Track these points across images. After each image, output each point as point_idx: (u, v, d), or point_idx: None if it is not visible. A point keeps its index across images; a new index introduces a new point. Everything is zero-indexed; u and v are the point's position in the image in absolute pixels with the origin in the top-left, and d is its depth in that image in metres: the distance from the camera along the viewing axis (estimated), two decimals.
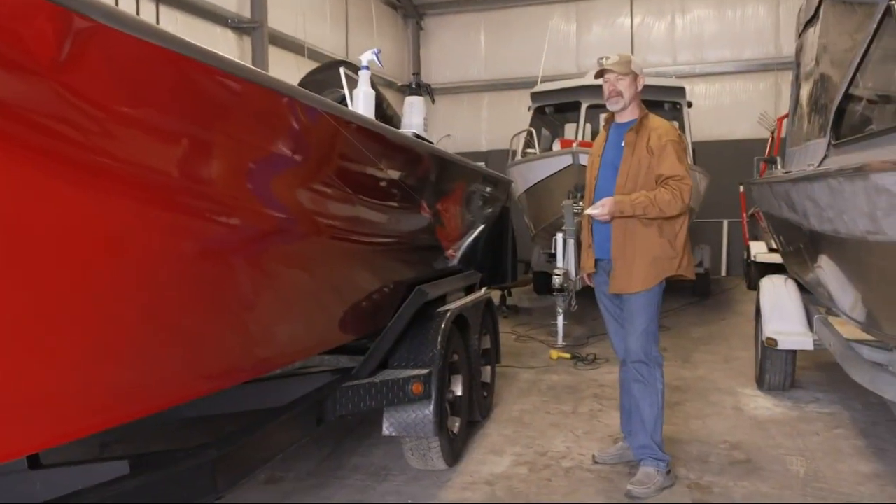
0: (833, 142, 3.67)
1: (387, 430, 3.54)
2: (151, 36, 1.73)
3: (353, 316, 3.34)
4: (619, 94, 3.65)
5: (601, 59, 3.76)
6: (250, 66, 2.21)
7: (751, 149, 12.17)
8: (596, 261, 3.79)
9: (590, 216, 3.70)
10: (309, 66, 10.32)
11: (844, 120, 3.57)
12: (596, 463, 3.95)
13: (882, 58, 3.19)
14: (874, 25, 3.11)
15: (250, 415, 3.10)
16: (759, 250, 11.45)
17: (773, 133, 11.24)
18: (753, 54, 14.46)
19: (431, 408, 3.52)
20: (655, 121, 3.70)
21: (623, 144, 3.64)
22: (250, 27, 11.02)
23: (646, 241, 3.55)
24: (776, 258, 10.47)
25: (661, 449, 3.62)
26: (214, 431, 3.06)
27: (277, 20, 11.43)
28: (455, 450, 3.98)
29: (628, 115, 3.72)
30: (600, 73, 3.69)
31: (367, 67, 3.54)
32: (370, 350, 3.56)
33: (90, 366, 1.83)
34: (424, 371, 3.55)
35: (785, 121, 10.47)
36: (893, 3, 2.93)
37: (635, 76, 3.66)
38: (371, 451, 4.21)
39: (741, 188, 12.57)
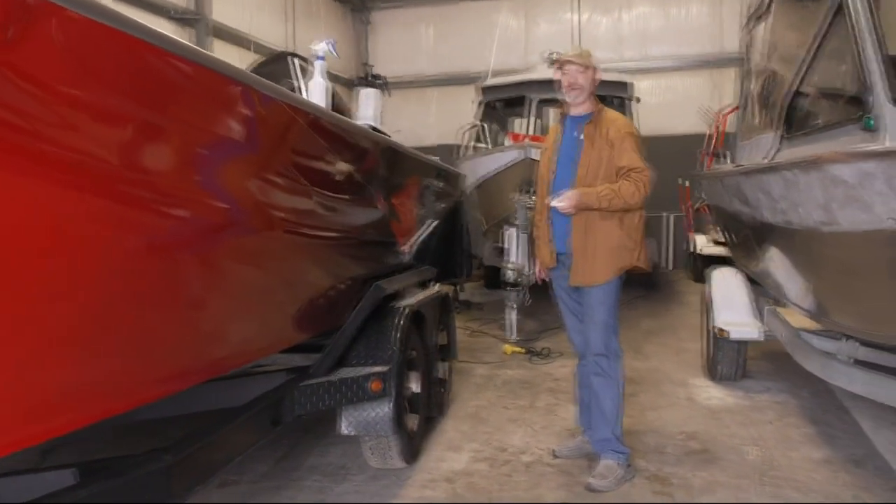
0: (784, 135, 3.73)
1: (345, 429, 3.46)
2: (95, 13, 1.62)
3: (309, 313, 3.25)
4: (580, 88, 3.63)
5: (551, 53, 3.75)
6: (205, 51, 2.11)
7: (694, 144, 12.40)
8: (557, 255, 3.77)
9: (549, 211, 3.68)
10: (254, 59, 10.10)
11: (796, 113, 3.63)
12: (556, 457, 3.94)
13: (833, 52, 3.24)
14: (826, 19, 3.16)
15: (203, 416, 2.97)
16: (703, 243, 11.70)
17: (716, 128, 11.46)
18: (696, 51, 14.74)
19: (391, 405, 3.45)
20: (612, 114, 3.72)
21: (582, 137, 3.62)
22: (193, 19, 10.75)
23: (607, 234, 3.55)
24: (720, 251, 10.73)
25: (621, 442, 3.63)
26: (166, 435, 2.94)
27: (221, 13, 11.18)
28: (414, 447, 3.92)
29: (584, 109, 3.70)
30: (559, 65, 3.68)
31: (322, 58, 3.45)
32: (327, 347, 3.47)
33: (26, 372, 1.68)
34: (383, 368, 3.48)
35: (728, 116, 10.74)
36: None
37: (594, 70, 3.66)
38: (328, 451, 4.12)
39: (685, 182, 12.83)
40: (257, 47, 11.63)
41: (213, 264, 2.45)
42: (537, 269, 4.03)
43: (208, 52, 2.15)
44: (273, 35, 12.44)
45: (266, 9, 12.61)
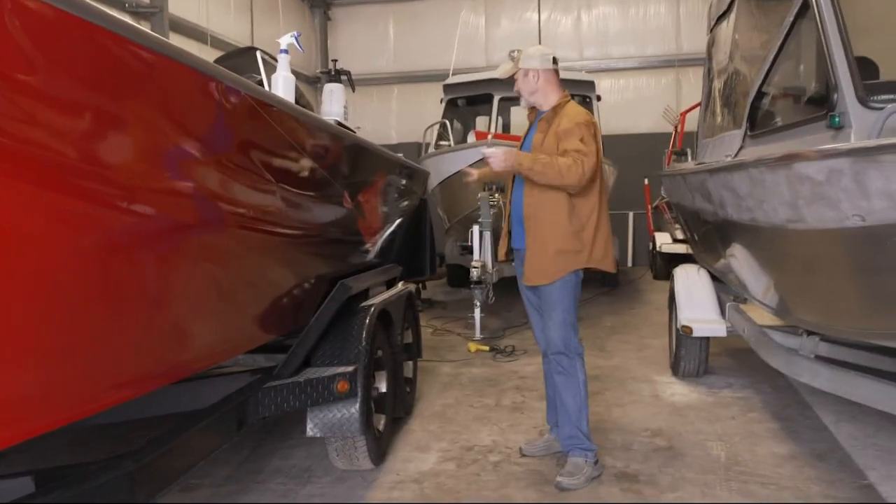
0: (749, 133, 3.76)
1: (311, 430, 3.38)
2: None
3: (274, 313, 3.17)
4: (525, 92, 3.69)
5: (512, 52, 3.73)
6: (163, 38, 2.02)
7: (655, 142, 12.55)
8: (514, 250, 3.77)
9: (510, 206, 3.68)
10: (213, 54, 9.89)
11: (760, 111, 3.66)
12: (524, 455, 3.92)
13: (798, 51, 3.28)
14: (791, 17, 3.19)
15: (165, 420, 2.88)
16: (664, 241, 11.84)
17: (676, 127, 11.60)
18: (656, 51, 14.91)
19: (357, 406, 3.38)
20: (572, 108, 3.66)
21: (536, 130, 3.64)
22: (149, 12, 10.49)
23: (552, 233, 3.52)
24: (681, 248, 10.87)
25: (588, 439, 3.62)
26: (127, 440, 2.84)
27: (179, 6, 10.93)
28: (381, 448, 3.87)
29: (546, 105, 3.70)
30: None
31: (286, 51, 3.37)
32: (293, 348, 3.40)
33: None
34: (350, 368, 3.42)
35: (688, 115, 10.88)
36: None
37: (525, 72, 3.64)
38: (292, 453, 4.04)
39: (646, 181, 12.98)
40: (215, 42, 11.41)
41: (173, 263, 2.35)
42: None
43: (166, 40, 2.06)
44: (232, 30, 12.22)
45: (224, 3, 12.39)
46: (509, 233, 3.81)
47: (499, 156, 3.47)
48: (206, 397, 3.07)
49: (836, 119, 2.66)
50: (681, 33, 14.64)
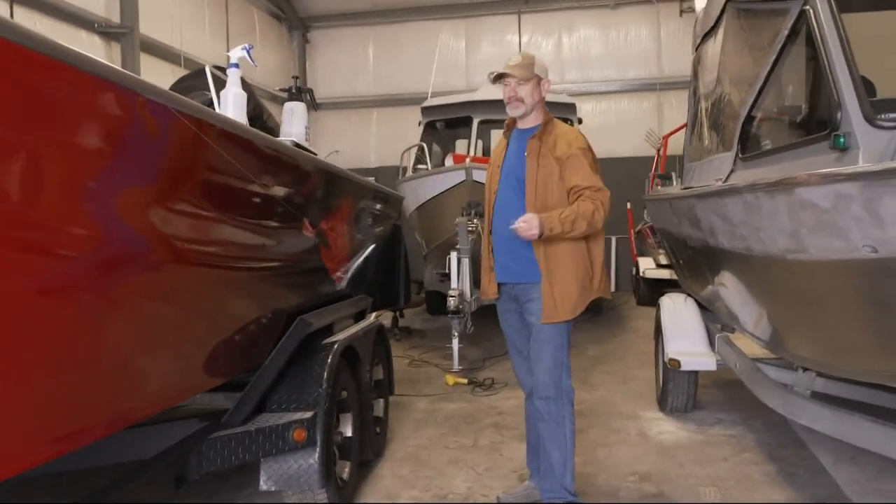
0: (740, 155, 3.52)
1: (265, 484, 3.05)
2: None
3: (224, 355, 2.85)
4: (521, 100, 3.32)
5: (491, 73, 3.42)
6: (77, 50, 1.73)
7: (636, 166, 12.38)
8: (499, 285, 3.45)
9: (490, 236, 3.37)
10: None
11: (753, 132, 3.42)
12: None
13: (795, 66, 3.04)
14: (786, 31, 2.95)
15: (96, 472, 2.57)
16: (648, 266, 11.62)
17: (658, 150, 11.44)
18: (637, 74, 14.82)
19: (316, 456, 3.06)
20: (561, 127, 3.39)
21: (525, 154, 3.32)
22: (119, 33, 10.21)
23: (573, 264, 3.23)
24: (665, 274, 10.65)
25: (571, 492, 3.29)
26: (53, 496, 2.52)
27: (151, 27, 10.65)
28: (345, 498, 3.53)
29: (531, 121, 3.40)
30: (499, 77, 3.36)
31: (236, 65, 3.08)
32: (244, 392, 3.08)
33: None
34: (308, 414, 3.09)
35: (671, 138, 10.71)
36: (807, 7, 2.76)
37: (539, 80, 3.35)
38: (251, 500, 3.70)
39: (628, 205, 12.78)
40: (189, 63, 11.12)
41: (112, 304, 2.07)
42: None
43: (88, 54, 1.77)
44: (207, 52, 11.93)
45: (199, 25, 12.13)
46: (491, 267, 3.46)
47: (533, 227, 3.06)
48: (152, 445, 2.76)
49: (842, 139, 2.41)
50: (662, 56, 14.57)
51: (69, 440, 2.01)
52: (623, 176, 12.33)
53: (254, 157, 2.69)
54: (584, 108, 13.82)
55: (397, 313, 9.20)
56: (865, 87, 2.84)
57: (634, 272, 12.68)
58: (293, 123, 3.67)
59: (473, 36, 15.44)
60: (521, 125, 3.43)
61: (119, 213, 2.02)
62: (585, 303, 3.29)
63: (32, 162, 1.67)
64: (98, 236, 1.96)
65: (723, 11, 4.05)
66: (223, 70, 3.44)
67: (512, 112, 3.39)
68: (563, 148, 3.24)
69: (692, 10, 6.57)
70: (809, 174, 2.25)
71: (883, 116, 2.44)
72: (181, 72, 10.71)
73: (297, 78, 4.32)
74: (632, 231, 13.10)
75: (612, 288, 14.12)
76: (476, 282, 6.39)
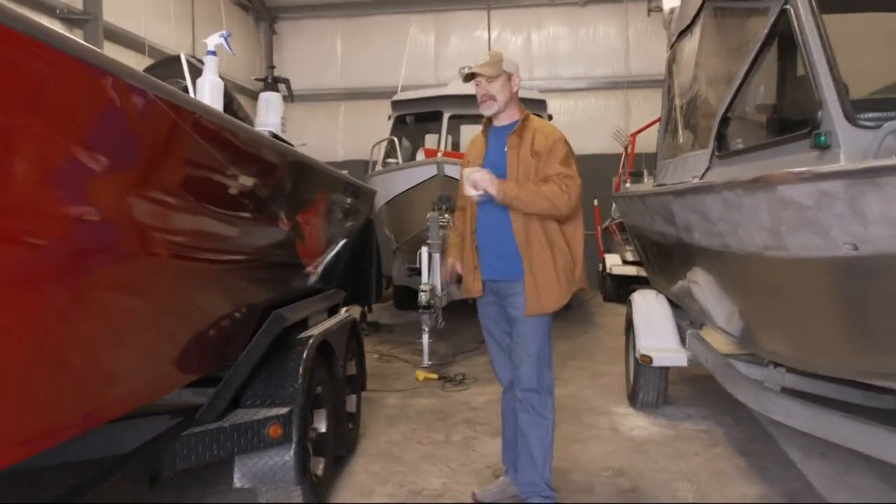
0: (717, 153, 3.54)
1: (238, 481, 2.99)
2: None
3: (198, 350, 2.78)
4: (492, 98, 3.31)
5: (462, 68, 3.40)
6: (49, 28, 1.66)
7: (604, 164, 12.47)
8: (485, 282, 3.42)
9: (474, 234, 3.35)
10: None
11: (730, 130, 3.44)
12: (476, 501, 3.58)
13: (774, 65, 3.06)
14: (766, 29, 2.97)
15: (68, 469, 2.49)
16: (615, 263, 11.72)
17: (626, 148, 11.52)
18: (605, 72, 14.95)
19: (292, 452, 3.00)
20: (538, 122, 3.40)
21: (506, 149, 3.31)
22: (82, 20, 9.98)
23: (553, 256, 3.23)
24: (632, 270, 10.75)
25: (550, 486, 3.30)
26: (24, 494, 2.43)
27: (115, 14, 10.44)
28: (319, 495, 3.48)
29: (507, 118, 3.39)
30: (469, 77, 3.35)
31: (214, 53, 3.01)
32: (218, 387, 3.01)
33: None
34: (283, 410, 3.03)
35: (636, 136, 10.80)
36: (788, 7, 2.78)
37: (509, 76, 3.33)
38: (221, 500, 3.63)
39: (595, 202, 12.87)
40: (153, 52, 10.92)
41: (80, 297, 1.98)
42: (447, 273, 3.69)
43: (55, 30, 1.70)
44: (171, 40, 11.72)
45: (164, 13, 11.91)
46: (476, 266, 3.41)
47: (486, 181, 3.11)
48: (125, 442, 2.68)
49: (823, 138, 2.43)
50: (630, 55, 14.71)
51: (41, 439, 1.93)
52: (590, 173, 12.31)
53: (234, 147, 2.63)
54: (552, 105, 13.85)
55: (365, 308, 9.14)
56: None
57: (601, 268, 12.78)
58: (269, 114, 3.60)
59: (443, 30, 15.42)
60: (497, 122, 3.42)
61: (90, 202, 1.94)
62: (569, 295, 3.29)
63: (17, 150, 1.60)
64: (67, 226, 1.87)
65: (700, 10, 4.07)
66: (199, 59, 3.36)
67: (485, 111, 3.37)
68: (541, 141, 3.25)
69: (660, 9, 6.61)
70: (792, 171, 2.27)
71: (863, 116, 2.47)
72: (146, 61, 10.49)
73: (272, 68, 4.24)
74: (598, 228, 13.20)
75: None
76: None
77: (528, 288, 3.23)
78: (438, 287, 6.70)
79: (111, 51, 10.35)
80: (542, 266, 3.21)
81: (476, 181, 3.14)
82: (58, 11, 9.63)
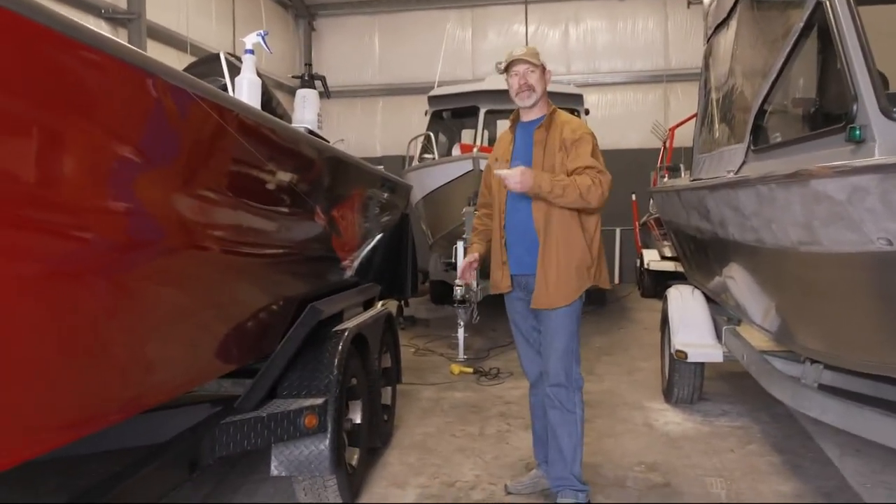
0: (752, 147, 3.51)
1: (275, 469, 3.07)
2: None
3: (236, 341, 2.85)
4: (531, 88, 3.33)
5: (499, 63, 3.44)
6: (97, 31, 1.73)
7: (642, 158, 12.37)
8: (513, 276, 3.44)
9: (503, 230, 3.37)
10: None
11: (765, 124, 3.41)
12: (509, 493, 3.62)
13: (810, 58, 3.03)
14: (801, 23, 2.94)
15: (109, 457, 2.58)
16: (652, 258, 11.62)
17: (665, 142, 11.41)
18: (644, 66, 14.79)
19: (327, 442, 3.07)
20: (565, 116, 3.42)
21: (533, 143, 3.33)
22: (126, 19, 10.20)
23: (572, 249, 3.25)
24: (670, 266, 10.65)
25: (580, 480, 3.32)
26: (67, 480, 2.53)
27: (158, 13, 10.66)
28: (354, 485, 3.55)
29: (536, 112, 3.41)
30: (508, 66, 3.37)
31: (251, 51, 3.08)
32: (256, 378, 3.09)
33: None
34: (319, 400, 3.11)
35: (677, 130, 10.69)
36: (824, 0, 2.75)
37: (544, 69, 3.37)
38: (258, 489, 3.73)
39: (633, 196, 12.77)
40: (195, 50, 11.12)
41: (125, 289, 2.07)
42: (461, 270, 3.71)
43: (101, 32, 1.77)
44: (213, 38, 11.93)
45: (205, 12, 12.11)
46: (504, 262, 3.44)
47: (516, 177, 3.11)
48: (165, 430, 2.77)
49: (857, 132, 2.40)
50: (669, 48, 14.53)
51: (83, 425, 2.01)
52: (628, 168, 12.32)
53: (271, 144, 2.70)
54: (590, 99, 13.79)
55: (402, 302, 9.23)
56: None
57: (639, 264, 12.69)
58: (306, 110, 3.67)
59: (480, 25, 15.40)
60: (525, 118, 3.44)
61: (134, 198, 2.02)
62: (583, 288, 3.29)
63: (50, 143, 1.67)
64: (113, 221, 1.95)
65: (736, 3, 4.03)
66: (237, 57, 3.44)
67: (522, 102, 3.38)
68: (569, 134, 3.27)
69: (700, 1, 6.57)
70: (825, 166, 2.25)
71: None
72: (187, 58, 10.70)
73: (309, 65, 4.32)
74: (636, 223, 13.10)
75: (616, 280, 14.16)
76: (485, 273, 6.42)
77: (538, 281, 3.26)
78: (474, 282, 6.74)
79: (154, 49, 10.57)
80: (556, 260, 3.24)
81: (504, 178, 3.15)
82: (102, 11, 9.86)
